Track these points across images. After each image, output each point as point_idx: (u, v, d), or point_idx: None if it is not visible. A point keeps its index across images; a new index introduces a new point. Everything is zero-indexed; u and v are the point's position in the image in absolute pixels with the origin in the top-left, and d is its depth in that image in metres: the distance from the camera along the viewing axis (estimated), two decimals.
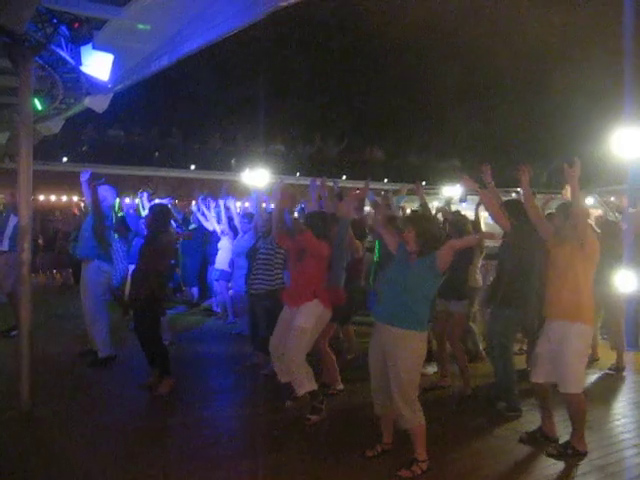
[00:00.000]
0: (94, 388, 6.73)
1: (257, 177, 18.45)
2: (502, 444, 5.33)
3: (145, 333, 6.38)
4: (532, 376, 5.24)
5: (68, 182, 18.60)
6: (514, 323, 6.04)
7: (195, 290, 12.09)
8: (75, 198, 18.24)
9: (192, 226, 12.12)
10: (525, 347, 8.31)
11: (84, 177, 7.53)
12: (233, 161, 23.32)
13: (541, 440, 5.22)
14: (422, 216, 5.18)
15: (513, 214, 5.90)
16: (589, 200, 12.87)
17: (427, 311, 4.74)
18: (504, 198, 6.74)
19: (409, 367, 4.61)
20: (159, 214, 6.66)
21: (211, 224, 10.67)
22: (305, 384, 5.71)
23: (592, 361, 7.64)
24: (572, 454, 4.98)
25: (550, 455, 5.01)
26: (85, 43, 5.98)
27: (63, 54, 5.96)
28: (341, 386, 6.59)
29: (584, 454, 4.99)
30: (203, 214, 10.94)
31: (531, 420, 5.77)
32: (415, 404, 4.65)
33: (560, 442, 5.15)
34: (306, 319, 5.69)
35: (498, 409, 6.02)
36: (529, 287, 5.89)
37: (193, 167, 22.27)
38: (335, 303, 5.97)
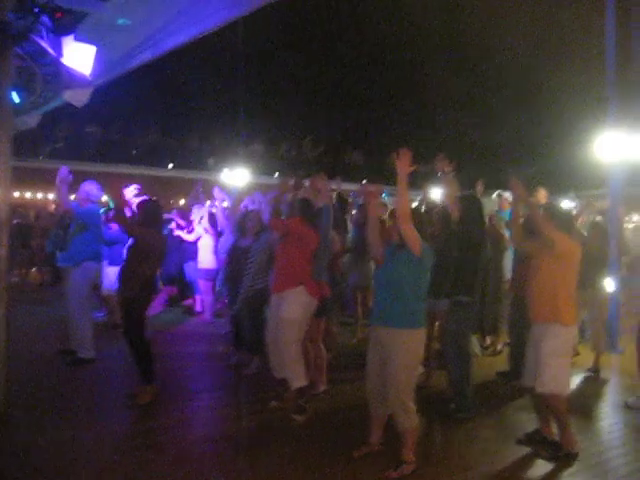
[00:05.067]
0: (72, 389, 6.57)
1: (236, 176, 18.35)
2: (490, 445, 5.30)
3: (128, 335, 6.11)
4: (522, 380, 5.22)
5: (43, 179, 18.34)
6: (467, 320, 5.96)
7: (168, 289, 11.91)
8: (51, 196, 18.06)
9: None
10: (499, 347, 8.35)
11: (62, 175, 7.28)
12: (210, 160, 23.15)
13: (539, 441, 5.16)
14: None
15: (464, 207, 5.99)
16: (569, 203, 12.94)
17: (421, 307, 4.68)
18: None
19: (406, 366, 4.57)
20: (145, 211, 6.27)
21: (194, 235, 10.60)
22: (298, 378, 5.67)
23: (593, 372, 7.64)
24: (564, 455, 4.96)
25: (543, 457, 4.99)
26: (67, 34, 5.83)
27: (44, 45, 5.79)
28: (324, 387, 6.52)
29: (575, 454, 4.97)
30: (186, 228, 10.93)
31: (517, 421, 5.78)
32: (410, 406, 4.60)
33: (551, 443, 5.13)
34: (293, 308, 5.65)
35: (449, 410, 5.95)
36: (475, 279, 5.92)
37: (171, 166, 22.08)
38: (320, 295, 5.92)
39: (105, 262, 9.29)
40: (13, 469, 4.64)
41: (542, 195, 9.39)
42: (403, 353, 4.55)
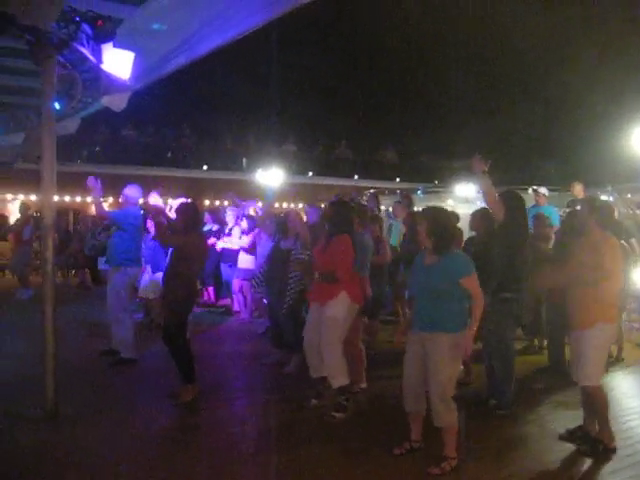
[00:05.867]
0: (116, 388, 6.73)
1: (270, 177, 18.45)
2: (530, 441, 5.30)
3: (169, 337, 6.21)
4: (573, 375, 5.19)
5: (82, 183, 18.60)
6: (511, 316, 5.95)
7: (211, 290, 12.09)
8: (89, 199, 18.35)
9: (207, 227, 12.13)
10: (538, 344, 8.31)
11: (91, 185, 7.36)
12: (244, 161, 23.30)
13: (581, 437, 5.16)
14: (435, 209, 5.00)
15: (508, 205, 5.90)
16: (605, 197, 12.75)
17: (463, 308, 4.67)
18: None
19: (451, 366, 4.60)
20: (184, 214, 6.39)
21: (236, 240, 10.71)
22: (340, 376, 5.74)
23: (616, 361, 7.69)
24: (603, 450, 4.94)
25: (583, 453, 4.97)
26: (107, 41, 5.96)
27: (85, 52, 5.93)
28: (364, 384, 6.56)
29: (614, 450, 4.96)
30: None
31: (558, 417, 5.76)
32: (451, 402, 4.62)
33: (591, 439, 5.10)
34: (337, 309, 5.73)
35: (489, 407, 5.99)
36: (521, 276, 5.89)
37: (205, 167, 22.23)
38: (362, 299, 5.97)
39: (148, 267, 9.45)
40: (61, 465, 4.76)
41: (578, 190, 9.31)
42: (448, 355, 4.57)
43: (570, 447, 5.11)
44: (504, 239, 5.91)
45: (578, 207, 7.92)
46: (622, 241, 7.71)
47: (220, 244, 10.92)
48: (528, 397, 6.38)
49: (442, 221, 4.76)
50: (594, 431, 5.15)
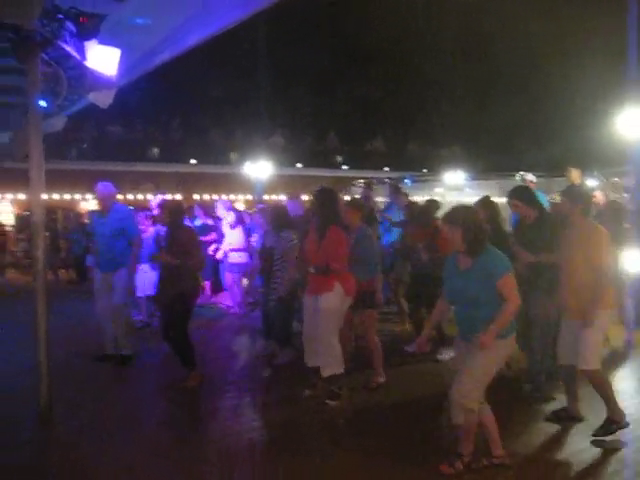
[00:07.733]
0: (111, 386, 6.72)
1: (259, 169, 18.46)
2: (537, 429, 5.26)
3: (174, 332, 6.29)
4: (558, 359, 5.25)
5: (71, 180, 18.55)
6: (554, 306, 5.98)
7: (207, 284, 12.04)
8: (77, 196, 18.33)
9: (197, 221, 12.08)
10: None
11: None
12: (232, 155, 23.25)
13: (565, 419, 5.23)
14: (461, 211, 4.46)
15: (527, 200, 5.91)
16: (592, 182, 12.84)
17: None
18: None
19: (483, 369, 4.29)
20: (173, 210, 6.52)
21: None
22: (332, 366, 5.79)
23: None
24: (615, 428, 4.93)
25: (596, 435, 4.93)
26: (90, 38, 5.92)
27: (69, 49, 5.90)
28: (383, 378, 6.43)
29: (625, 424, 4.94)
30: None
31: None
32: (472, 403, 4.28)
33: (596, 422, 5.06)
34: (329, 301, 5.78)
35: (524, 391, 6.02)
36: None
37: (193, 162, 22.13)
38: (353, 292, 6.00)
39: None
40: (56, 467, 4.76)
41: (575, 175, 9.15)
42: (489, 358, 4.28)
43: (569, 431, 5.13)
44: (540, 234, 5.81)
45: None
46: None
47: (219, 253, 10.83)
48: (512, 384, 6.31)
49: (474, 221, 4.36)
50: (576, 412, 5.24)
